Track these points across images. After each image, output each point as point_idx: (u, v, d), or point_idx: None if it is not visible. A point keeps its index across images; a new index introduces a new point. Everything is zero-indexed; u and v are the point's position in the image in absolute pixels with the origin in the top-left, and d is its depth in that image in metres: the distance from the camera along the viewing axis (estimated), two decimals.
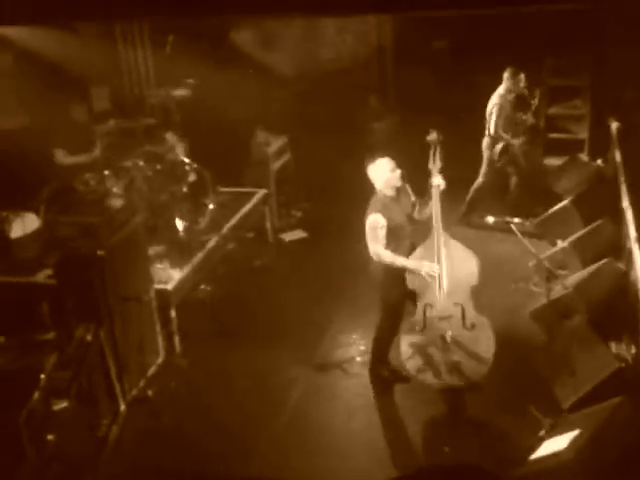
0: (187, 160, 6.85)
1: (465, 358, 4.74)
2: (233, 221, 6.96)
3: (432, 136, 5.01)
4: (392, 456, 4.67)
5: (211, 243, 6.50)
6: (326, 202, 8.31)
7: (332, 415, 5.10)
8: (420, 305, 4.84)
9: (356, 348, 5.81)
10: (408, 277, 4.82)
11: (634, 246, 5.46)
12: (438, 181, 4.88)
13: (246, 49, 8.82)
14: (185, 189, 6.70)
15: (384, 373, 5.30)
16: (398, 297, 4.98)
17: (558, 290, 5.04)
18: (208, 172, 6.90)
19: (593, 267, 5.76)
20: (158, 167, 6.72)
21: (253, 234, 7.65)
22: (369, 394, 5.27)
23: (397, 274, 4.84)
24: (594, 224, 6.45)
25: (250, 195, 7.53)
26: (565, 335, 4.93)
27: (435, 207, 4.84)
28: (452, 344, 4.73)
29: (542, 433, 4.48)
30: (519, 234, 4.87)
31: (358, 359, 5.68)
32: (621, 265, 5.78)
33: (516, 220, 5.59)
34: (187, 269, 6.06)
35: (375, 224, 4.79)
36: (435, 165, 4.94)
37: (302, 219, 8.27)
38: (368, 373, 5.35)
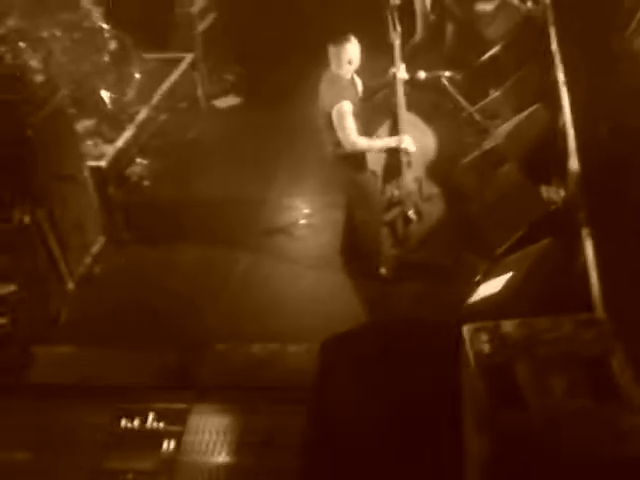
0: (106, 26, 6.46)
1: (421, 229, 4.97)
2: (162, 90, 6.70)
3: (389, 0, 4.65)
4: (339, 312, 4.79)
5: (142, 115, 6.30)
6: (259, 64, 7.94)
7: (280, 278, 5.20)
8: (381, 185, 4.83)
9: (299, 212, 5.87)
10: (370, 159, 4.73)
11: (562, 89, 5.53)
12: (403, 74, 4.68)
13: None
14: (107, 58, 6.37)
15: (387, 272, 5.02)
16: (368, 179, 4.82)
17: (489, 141, 5.11)
18: (130, 38, 6.53)
19: (523, 114, 5.80)
20: (75, 36, 6.32)
21: (185, 104, 7.32)
22: (314, 255, 5.38)
23: (360, 156, 4.68)
24: (524, 69, 6.45)
25: (177, 61, 7.19)
26: (497, 183, 5.06)
27: (400, 98, 4.63)
28: (413, 219, 4.91)
29: (478, 278, 4.67)
30: (450, 88, 4.82)
31: (302, 222, 5.75)
32: (550, 110, 5.88)
33: (447, 73, 5.53)
34: (119, 144, 5.88)
35: (346, 111, 4.45)
36: (396, 34, 4.61)
37: (235, 83, 7.96)
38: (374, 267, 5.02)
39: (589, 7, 7.47)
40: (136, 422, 4.02)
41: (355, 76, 4.68)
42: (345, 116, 4.46)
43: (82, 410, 4.05)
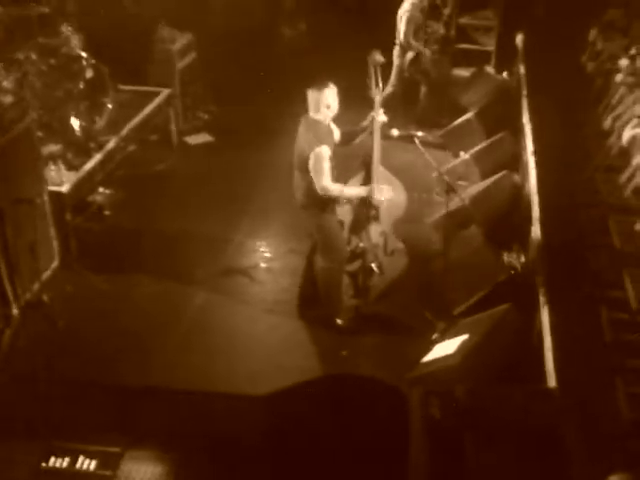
0: (84, 55, 6.35)
1: (382, 283, 4.92)
2: (134, 122, 6.62)
3: (374, 57, 4.69)
4: (292, 360, 4.69)
5: (110, 144, 6.19)
6: (234, 105, 8.00)
7: (235, 320, 5.07)
8: (347, 235, 4.82)
9: (261, 255, 5.79)
10: (339, 208, 4.72)
11: (530, 159, 5.59)
12: (382, 118, 4.69)
13: None
14: (82, 86, 6.23)
15: (344, 322, 4.95)
16: (335, 227, 4.77)
17: (456, 201, 5.11)
18: (107, 68, 6.45)
19: (490, 180, 5.87)
20: (52, 61, 6.17)
21: (156, 137, 7.33)
22: (272, 299, 5.27)
23: (330, 204, 4.66)
24: (495, 137, 6.54)
25: (153, 95, 7.14)
26: (460, 244, 5.03)
27: (376, 142, 4.66)
28: (375, 271, 4.88)
29: (434, 337, 4.62)
30: (421, 147, 4.84)
31: (263, 266, 5.66)
32: (517, 177, 5.93)
33: (420, 133, 5.54)
34: (84, 171, 5.76)
35: (324, 156, 4.45)
36: (378, 91, 4.68)
37: (208, 122, 7.95)
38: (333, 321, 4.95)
39: (562, 83, 7.69)
40: (65, 462, 3.77)
41: (332, 124, 4.69)
42: (322, 161, 4.46)
43: (10, 445, 3.78)
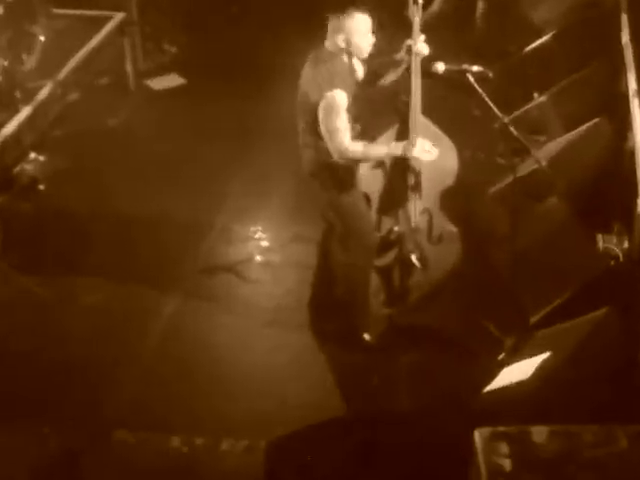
0: None
1: (427, 282, 4.99)
2: (76, 60, 6.80)
3: None
4: (302, 391, 4.74)
5: (44, 92, 6.39)
6: (211, 33, 8.11)
7: (220, 338, 5.14)
8: (376, 216, 4.87)
9: (255, 245, 5.87)
10: (363, 177, 4.74)
11: (633, 100, 5.53)
12: (422, 47, 4.67)
13: None
14: (1, 11, 6.35)
15: (373, 337, 5.05)
16: (359, 205, 4.81)
17: (529, 163, 5.12)
18: None
19: (577, 131, 5.85)
20: None
21: (107, 80, 7.47)
22: (273, 306, 5.33)
23: (351, 171, 4.69)
24: (583, 70, 6.50)
25: (101, 21, 7.31)
26: (536, 223, 5.08)
27: (415, 82, 4.65)
28: (416, 266, 4.94)
29: (502, 357, 4.65)
30: (478, 88, 4.81)
31: (258, 259, 5.75)
32: (615, 127, 5.89)
33: (475, 68, 5.44)
34: (8, 129, 5.95)
35: (339, 105, 4.44)
36: (417, 9, 4.68)
37: (177, 58, 8.09)
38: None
39: None
40: None
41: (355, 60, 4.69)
42: (337, 111, 4.45)
43: None
